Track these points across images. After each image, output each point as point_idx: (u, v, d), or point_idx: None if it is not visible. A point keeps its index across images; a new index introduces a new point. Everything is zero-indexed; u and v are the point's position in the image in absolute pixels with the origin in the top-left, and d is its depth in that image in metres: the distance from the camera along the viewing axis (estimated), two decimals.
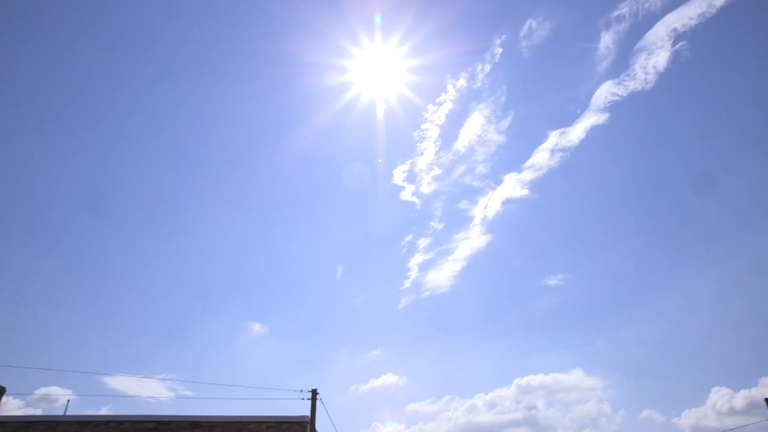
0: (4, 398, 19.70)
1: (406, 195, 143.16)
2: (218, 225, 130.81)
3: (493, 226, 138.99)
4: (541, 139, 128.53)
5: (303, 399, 19.95)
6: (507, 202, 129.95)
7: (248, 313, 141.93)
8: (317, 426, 19.40)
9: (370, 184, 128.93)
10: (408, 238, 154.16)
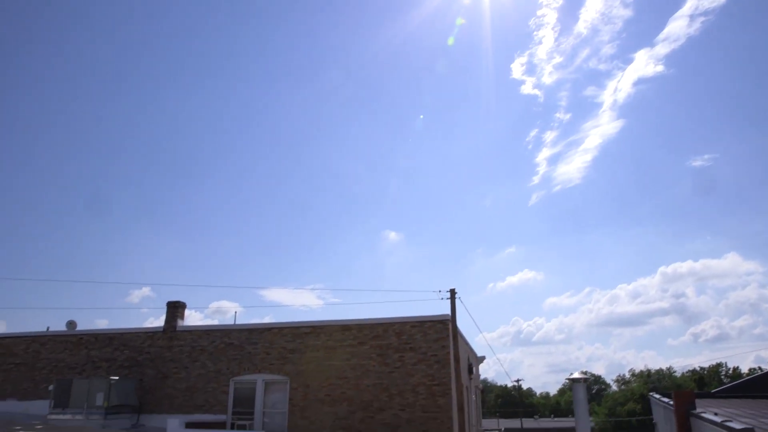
0: (186, 311, 22.89)
1: (527, 89, 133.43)
2: (345, 141, 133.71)
3: (625, 110, 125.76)
4: (676, 4, 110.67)
5: (442, 299, 20.65)
6: (639, 82, 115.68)
7: (384, 222, 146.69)
8: (458, 323, 20.12)
9: (487, 83, 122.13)
10: (533, 133, 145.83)
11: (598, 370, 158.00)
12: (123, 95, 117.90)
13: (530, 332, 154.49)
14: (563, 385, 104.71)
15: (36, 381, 22.76)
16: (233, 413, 19.79)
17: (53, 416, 18.73)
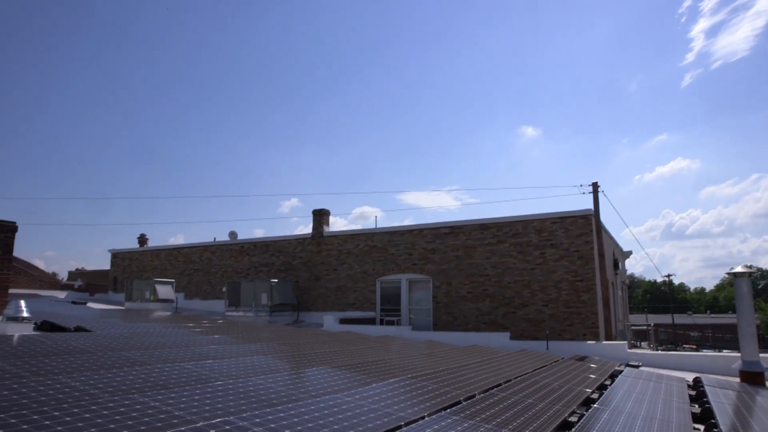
0: (330, 218, 24.31)
1: None
2: (475, 40, 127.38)
3: None
4: None
5: (584, 193, 19.60)
6: None
7: (519, 118, 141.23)
8: (602, 218, 19.08)
9: None
10: (687, 3, 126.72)
11: (765, 264, 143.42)
12: (260, 17, 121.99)
13: (683, 225, 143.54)
14: (722, 279, 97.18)
15: (212, 284, 26.14)
16: (381, 310, 21.19)
17: (229, 313, 21.53)
